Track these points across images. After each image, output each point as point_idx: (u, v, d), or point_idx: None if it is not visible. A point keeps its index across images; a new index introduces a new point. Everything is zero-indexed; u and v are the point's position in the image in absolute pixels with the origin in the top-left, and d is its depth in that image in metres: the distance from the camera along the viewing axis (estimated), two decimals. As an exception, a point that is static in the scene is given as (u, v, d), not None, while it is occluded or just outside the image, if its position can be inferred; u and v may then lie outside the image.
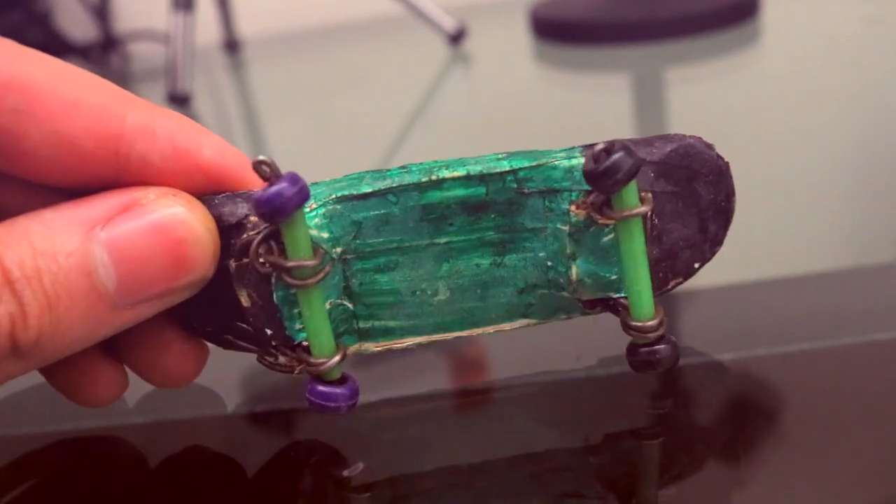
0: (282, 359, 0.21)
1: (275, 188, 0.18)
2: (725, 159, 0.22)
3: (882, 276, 0.28)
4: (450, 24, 0.69)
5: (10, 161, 0.19)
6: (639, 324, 0.20)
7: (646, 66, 0.57)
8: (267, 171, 0.18)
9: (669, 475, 0.20)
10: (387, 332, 0.21)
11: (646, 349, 0.21)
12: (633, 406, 0.22)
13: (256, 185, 0.20)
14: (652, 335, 0.20)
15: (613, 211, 0.20)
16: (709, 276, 0.28)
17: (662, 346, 0.21)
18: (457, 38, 0.69)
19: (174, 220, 0.18)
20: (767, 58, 0.58)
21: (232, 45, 0.83)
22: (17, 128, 0.18)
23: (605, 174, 0.19)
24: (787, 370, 0.23)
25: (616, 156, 0.19)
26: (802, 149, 0.40)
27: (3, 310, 0.17)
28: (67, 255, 0.17)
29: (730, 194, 0.22)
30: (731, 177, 0.22)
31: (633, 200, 0.19)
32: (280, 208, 0.18)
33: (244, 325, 0.20)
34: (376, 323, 0.21)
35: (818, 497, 0.18)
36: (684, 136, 0.22)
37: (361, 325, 0.21)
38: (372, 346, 0.21)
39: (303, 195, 0.18)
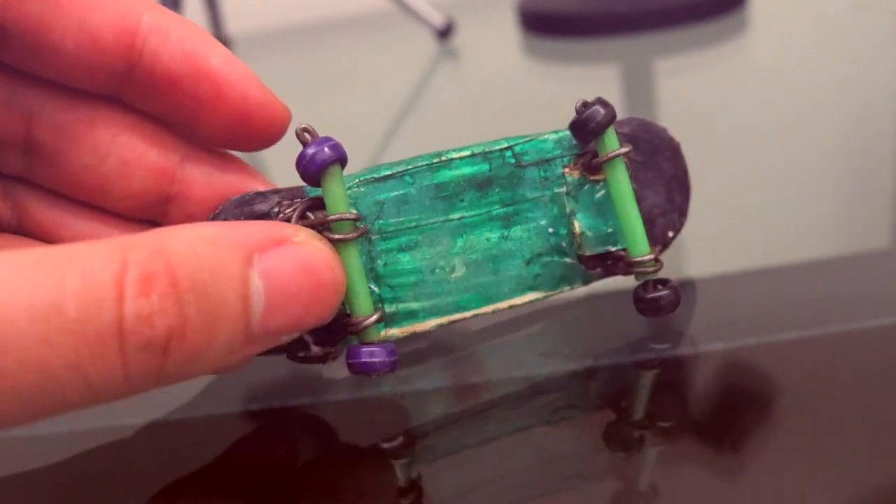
0: (315, 349, 0.22)
1: (312, 144, 0.20)
2: (676, 140, 0.25)
3: (870, 264, 0.28)
4: (438, 19, 0.69)
5: (35, 55, 0.20)
6: (638, 259, 0.23)
7: (634, 58, 0.57)
8: (308, 136, 0.20)
9: (661, 450, 0.20)
10: (410, 315, 0.23)
11: (651, 295, 0.23)
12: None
13: (259, 106, 0.21)
14: (651, 269, 0.23)
15: (600, 157, 0.23)
16: (697, 265, 0.28)
17: (666, 291, 0.23)
18: (445, 33, 0.69)
19: (322, 263, 0.18)
20: (757, 47, 0.58)
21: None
22: (45, 17, 0.19)
23: (587, 120, 0.22)
24: (777, 359, 0.23)
25: (594, 106, 0.22)
26: (792, 137, 0.40)
27: (163, 322, 0.16)
28: (231, 275, 0.17)
29: (685, 171, 0.25)
30: (683, 155, 0.25)
31: (614, 144, 0.23)
32: (317, 157, 0.20)
33: None
34: (401, 306, 0.22)
35: (809, 485, 0.18)
36: (641, 117, 0.25)
37: (387, 308, 0.22)
38: (397, 332, 0.22)
39: (338, 151, 0.20)
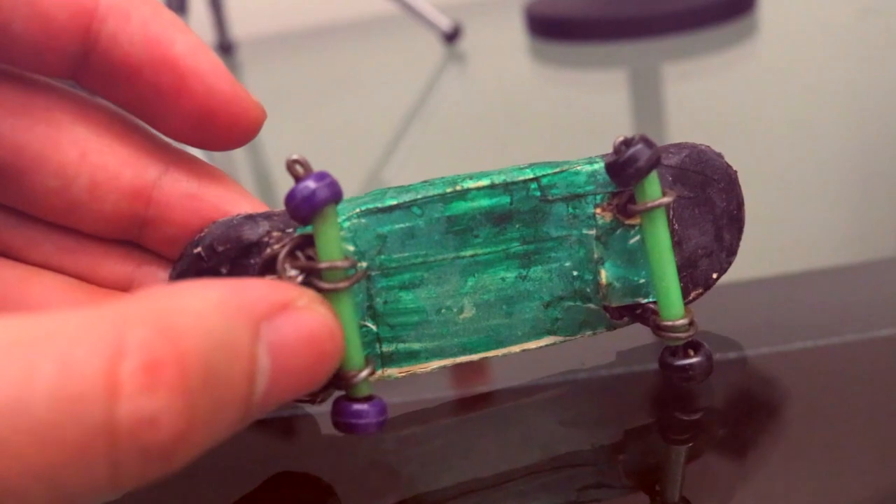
0: None
1: (305, 181, 0.17)
2: (734, 168, 0.22)
3: (884, 272, 0.28)
4: (445, 22, 0.69)
5: None
6: (669, 323, 0.20)
7: (642, 62, 0.57)
8: (300, 169, 0.18)
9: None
10: (411, 356, 0.21)
11: (680, 362, 0.20)
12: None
13: (226, 103, 0.19)
14: (683, 335, 0.20)
15: (637, 205, 0.20)
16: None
17: (697, 359, 0.20)
18: (452, 36, 0.69)
19: (327, 332, 0.16)
20: (765, 52, 0.57)
21: (226, 48, 0.83)
22: None
23: (626, 163, 0.19)
24: (791, 368, 0.22)
25: (636, 146, 0.19)
26: (801, 144, 0.39)
27: (170, 424, 0.13)
28: (241, 354, 0.14)
29: (740, 203, 0.22)
30: (740, 186, 0.22)
31: (656, 192, 0.20)
32: (310, 199, 0.17)
33: None
34: (400, 346, 0.21)
35: (822, 492, 0.18)
36: (696, 143, 0.22)
37: (385, 348, 0.20)
38: (395, 372, 0.21)
39: (333, 189, 0.18)
